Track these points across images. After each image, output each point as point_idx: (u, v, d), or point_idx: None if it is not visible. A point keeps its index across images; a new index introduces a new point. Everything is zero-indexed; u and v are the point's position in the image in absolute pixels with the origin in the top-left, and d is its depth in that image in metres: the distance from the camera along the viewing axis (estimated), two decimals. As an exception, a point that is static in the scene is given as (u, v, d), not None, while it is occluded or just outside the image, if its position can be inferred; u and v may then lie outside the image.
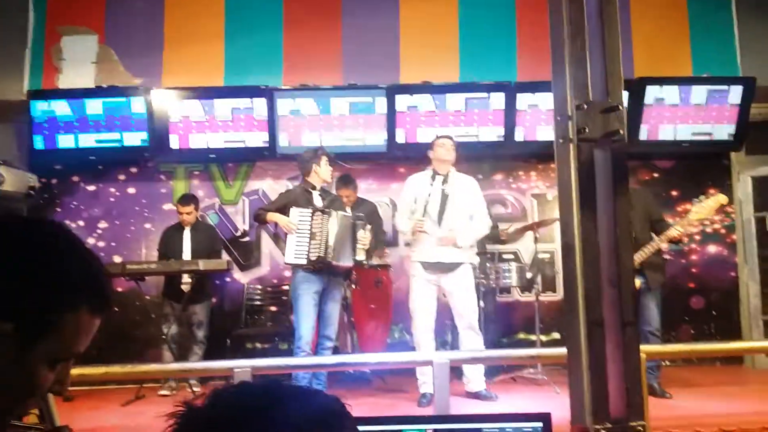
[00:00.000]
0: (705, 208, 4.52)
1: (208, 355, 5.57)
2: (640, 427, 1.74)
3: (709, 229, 6.59)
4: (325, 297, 4.66)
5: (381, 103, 6.05)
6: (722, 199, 4.56)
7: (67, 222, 6.30)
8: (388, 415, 1.72)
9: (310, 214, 4.59)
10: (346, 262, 4.68)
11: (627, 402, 1.75)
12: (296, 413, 0.73)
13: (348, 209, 5.79)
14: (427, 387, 4.57)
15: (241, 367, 3.32)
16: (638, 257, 4.48)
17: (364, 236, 4.78)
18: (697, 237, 6.60)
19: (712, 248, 6.62)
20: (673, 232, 4.56)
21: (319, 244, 4.51)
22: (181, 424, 0.74)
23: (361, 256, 4.75)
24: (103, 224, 6.40)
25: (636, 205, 4.58)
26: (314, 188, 4.84)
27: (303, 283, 4.58)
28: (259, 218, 4.92)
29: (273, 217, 4.76)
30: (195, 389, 5.21)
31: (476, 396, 4.69)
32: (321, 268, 4.56)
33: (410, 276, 4.88)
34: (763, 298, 6.39)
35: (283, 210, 4.74)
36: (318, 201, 4.82)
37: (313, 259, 4.51)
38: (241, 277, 6.41)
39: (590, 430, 1.68)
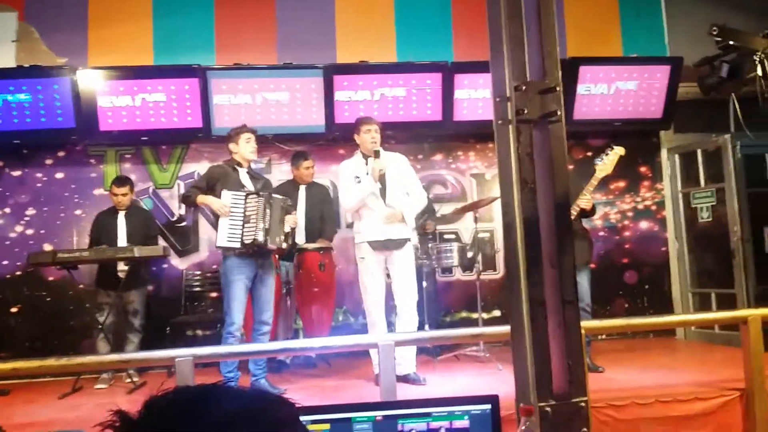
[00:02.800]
0: (606, 164, 4.66)
1: (146, 344, 5.43)
2: (582, 403, 1.79)
3: (640, 206, 6.82)
4: (258, 282, 4.53)
5: (318, 83, 5.96)
6: (620, 150, 4.70)
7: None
8: (338, 403, 1.70)
9: (244, 197, 4.43)
10: (277, 245, 4.55)
11: (569, 378, 1.79)
12: (241, 418, 0.70)
13: (303, 187, 5.66)
14: None
15: (183, 356, 3.24)
16: None
17: (291, 219, 4.70)
18: (630, 214, 6.82)
19: (644, 224, 6.85)
20: (582, 201, 4.60)
21: (253, 227, 4.37)
22: None
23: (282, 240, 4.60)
24: (30, 211, 6.11)
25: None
26: (240, 165, 4.67)
27: (235, 268, 4.42)
28: (187, 201, 4.67)
29: (205, 200, 4.54)
30: (134, 379, 5.09)
31: (404, 379, 4.54)
32: (255, 251, 4.44)
33: (358, 259, 4.78)
34: (692, 272, 6.67)
35: (212, 188, 4.55)
36: (246, 180, 4.65)
37: (248, 242, 4.37)
38: (179, 263, 6.25)
39: (535, 408, 1.71)
